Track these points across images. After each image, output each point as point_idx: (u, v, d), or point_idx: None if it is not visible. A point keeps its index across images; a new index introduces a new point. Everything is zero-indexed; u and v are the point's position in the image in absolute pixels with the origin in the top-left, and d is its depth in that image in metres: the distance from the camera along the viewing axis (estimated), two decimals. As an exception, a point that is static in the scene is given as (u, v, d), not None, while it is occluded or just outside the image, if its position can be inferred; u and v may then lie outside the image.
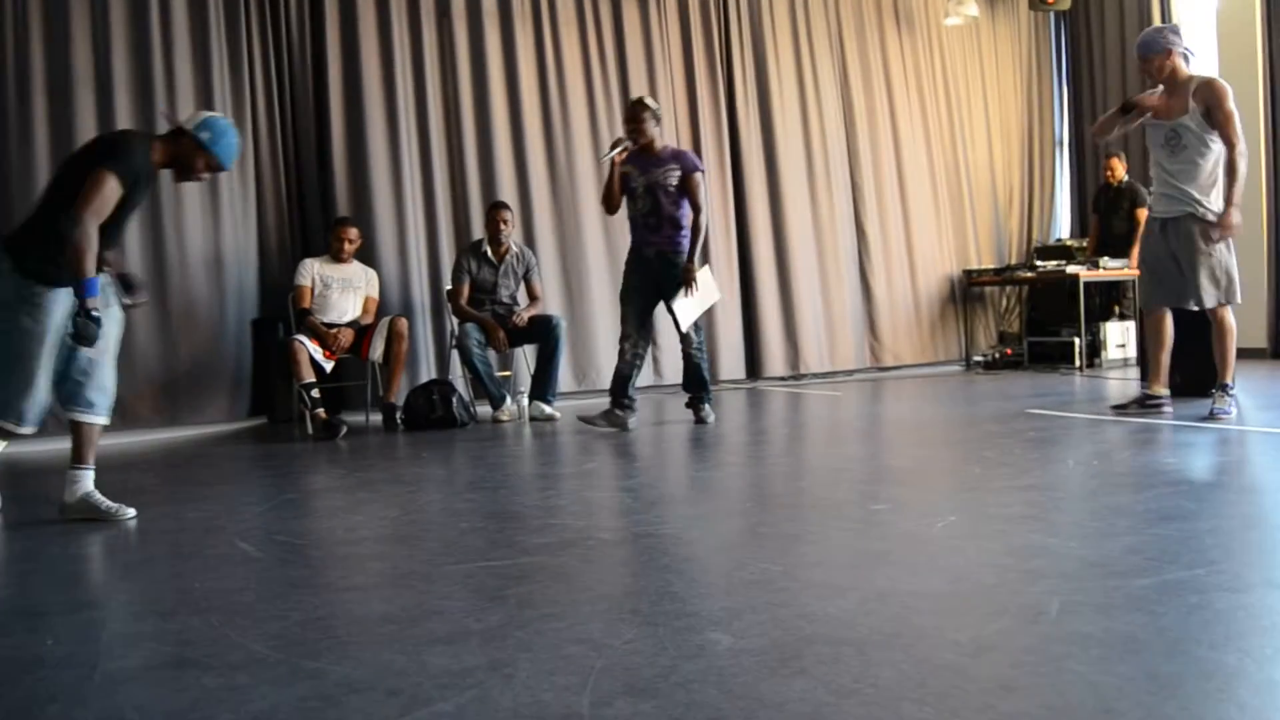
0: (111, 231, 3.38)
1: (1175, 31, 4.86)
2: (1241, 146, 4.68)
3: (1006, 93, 9.79)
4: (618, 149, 5.33)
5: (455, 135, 7.21)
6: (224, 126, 3.53)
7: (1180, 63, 4.80)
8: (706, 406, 5.63)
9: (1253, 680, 1.62)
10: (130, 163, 3.31)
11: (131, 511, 3.42)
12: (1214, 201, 4.75)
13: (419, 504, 3.57)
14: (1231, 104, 4.70)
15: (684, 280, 5.33)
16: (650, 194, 5.35)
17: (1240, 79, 8.36)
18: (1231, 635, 1.83)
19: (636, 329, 5.51)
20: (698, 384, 5.61)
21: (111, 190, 3.25)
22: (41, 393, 3.32)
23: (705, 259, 8.13)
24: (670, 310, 5.41)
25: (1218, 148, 4.75)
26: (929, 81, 9.28)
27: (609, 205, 5.51)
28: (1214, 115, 4.70)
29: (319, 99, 6.84)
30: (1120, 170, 8.40)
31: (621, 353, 5.53)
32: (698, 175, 5.39)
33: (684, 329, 5.45)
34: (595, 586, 2.39)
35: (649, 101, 5.43)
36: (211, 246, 6.43)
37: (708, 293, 5.54)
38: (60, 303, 3.29)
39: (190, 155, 3.48)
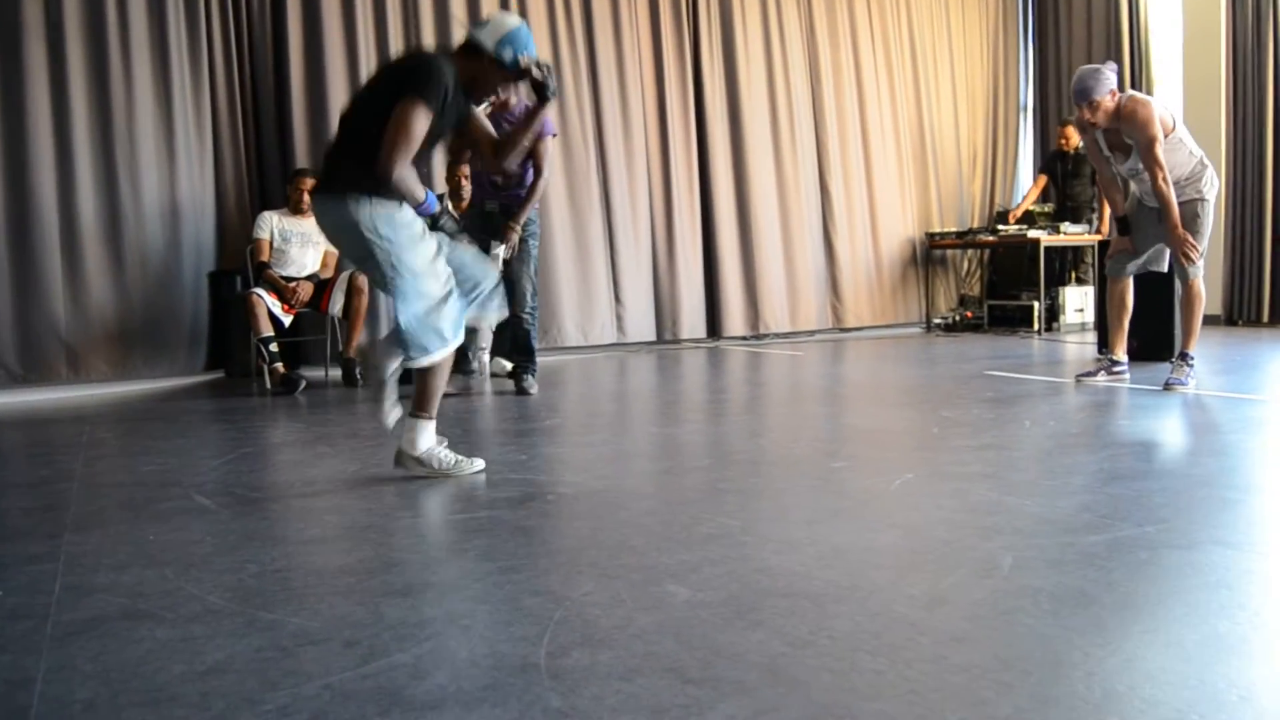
0: (418, 164, 3.06)
1: (1110, 66, 4.72)
2: (1164, 171, 4.55)
3: (972, 56, 9.80)
4: (483, 106, 5.20)
5: (417, 88, 7.11)
6: (525, 37, 3.07)
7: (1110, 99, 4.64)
8: (530, 377, 5.44)
9: (1199, 633, 1.65)
10: (439, 90, 2.94)
11: (480, 464, 3.23)
12: (1205, 187, 4.72)
13: (378, 458, 3.55)
14: (1153, 127, 4.54)
15: (504, 237, 5.13)
16: None
17: (1204, 54, 8.45)
18: (1179, 590, 1.87)
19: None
20: (526, 351, 5.46)
21: (421, 124, 2.91)
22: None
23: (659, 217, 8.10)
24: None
25: (1181, 155, 4.68)
26: (895, 42, 9.27)
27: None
28: (1137, 144, 4.59)
29: (277, 47, 6.70)
30: (1075, 138, 8.42)
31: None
32: (550, 140, 5.30)
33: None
34: (554, 540, 2.40)
35: None
36: (167, 197, 6.31)
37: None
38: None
39: (488, 76, 3.09)
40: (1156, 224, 4.81)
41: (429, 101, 2.92)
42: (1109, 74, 4.63)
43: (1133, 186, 4.97)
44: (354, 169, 2.98)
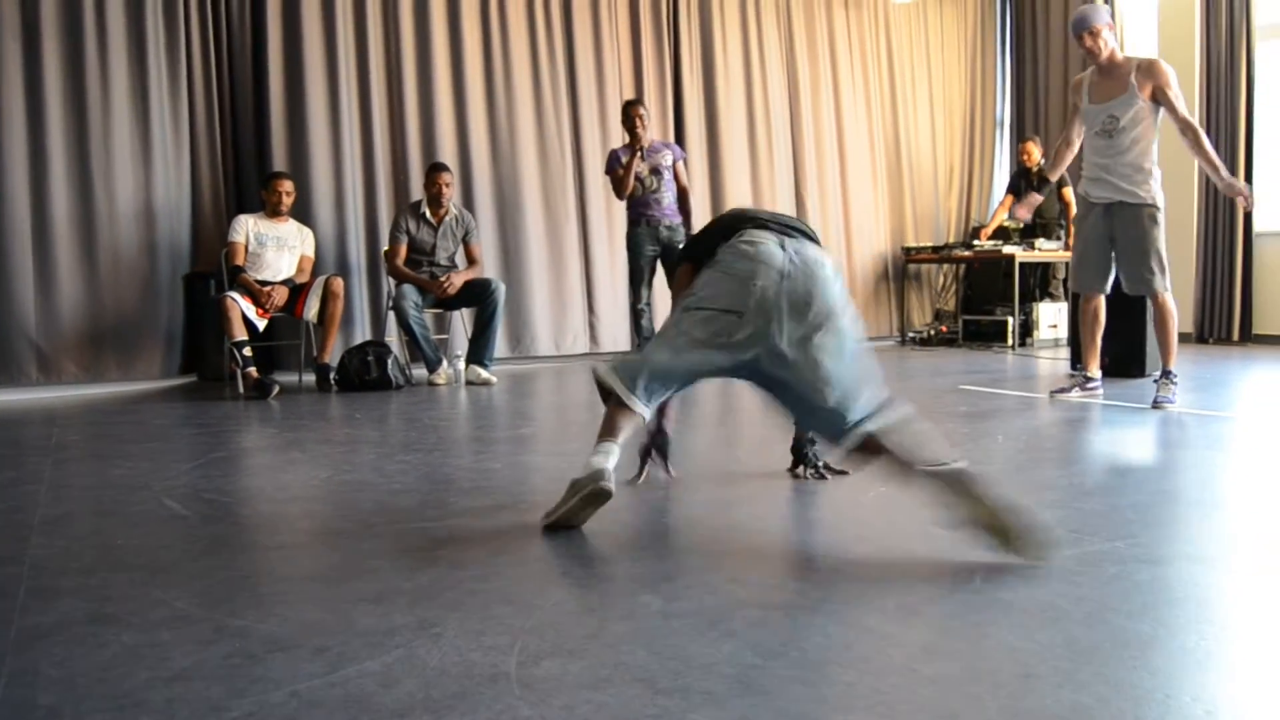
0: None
1: (1109, 9, 4.82)
2: (1196, 122, 4.68)
3: (950, 72, 9.88)
4: (638, 156, 6.32)
5: (396, 93, 7.09)
6: None
7: (1113, 42, 4.77)
8: None
9: (1166, 648, 1.66)
10: None
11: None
12: (1153, 188, 4.68)
13: (351, 465, 3.53)
14: (1177, 84, 4.68)
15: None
16: (657, 175, 6.37)
17: (1178, 68, 8.50)
18: (1148, 605, 1.88)
19: (652, 297, 6.39)
20: None
21: None
22: None
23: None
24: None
25: (1153, 133, 4.71)
26: (874, 57, 9.33)
27: (622, 194, 6.41)
28: (1164, 98, 4.64)
29: (256, 49, 6.67)
30: (1036, 154, 8.50)
31: (639, 315, 6.40)
32: (682, 161, 6.56)
33: None
34: (526, 548, 2.39)
35: (645, 102, 6.84)
36: (142, 198, 6.26)
37: None
38: None
39: None
40: (1104, 223, 4.80)
41: None
42: (1104, 7, 4.75)
43: (1079, 185, 4.96)
44: None
